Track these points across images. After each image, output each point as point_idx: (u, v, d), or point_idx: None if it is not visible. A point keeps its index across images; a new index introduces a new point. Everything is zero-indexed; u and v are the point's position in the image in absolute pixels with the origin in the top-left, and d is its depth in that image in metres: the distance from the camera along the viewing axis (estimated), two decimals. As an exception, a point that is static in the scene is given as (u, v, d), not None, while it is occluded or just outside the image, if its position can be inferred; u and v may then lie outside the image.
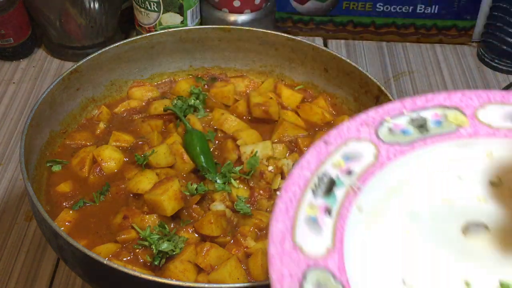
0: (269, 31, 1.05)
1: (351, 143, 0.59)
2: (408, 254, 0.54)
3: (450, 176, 0.60)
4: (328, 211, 0.54)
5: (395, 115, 0.62)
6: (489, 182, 0.60)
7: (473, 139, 0.62)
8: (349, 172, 0.57)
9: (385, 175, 0.59)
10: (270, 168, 0.88)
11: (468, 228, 0.56)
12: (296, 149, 0.94)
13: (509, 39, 1.32)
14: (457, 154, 0.61)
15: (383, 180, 0.58)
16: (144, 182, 0.85)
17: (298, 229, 0.52)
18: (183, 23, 1.30)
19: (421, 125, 0.62)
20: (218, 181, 0.86)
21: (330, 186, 0.56)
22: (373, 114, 0.62)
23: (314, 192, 0.55)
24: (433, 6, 1.38)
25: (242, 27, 1.06)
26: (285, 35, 1.05)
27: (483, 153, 0.61)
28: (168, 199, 0.80)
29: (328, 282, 0.49)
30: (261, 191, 0.87)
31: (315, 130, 0.99)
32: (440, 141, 0.61)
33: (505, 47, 1.33)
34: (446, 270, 0.53)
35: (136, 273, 0.68)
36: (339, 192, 0.56)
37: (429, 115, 0.62)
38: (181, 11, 1.28)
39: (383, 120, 0.62)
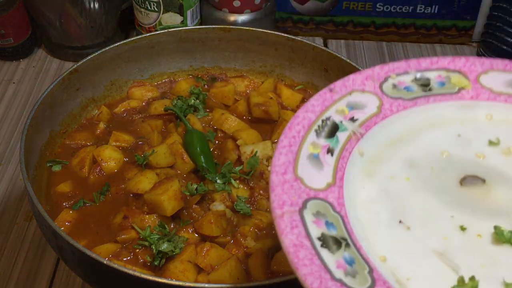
0: (269, 31, 1.05)
1: (355, 94, 0.62)
2: (406, 199, 0.56)
3: (450, 133, 0.63)
4: (330, 151, 0.56)
5: (400, 73, 0.65)
6: (488, 142, 0.62)
7: (474, 102, 0.64)
8: (352, 119, 0.60)
9: (387, 125, 0.61)
10: (270, 168, 0.88)
11: (465, 180, 0.58)
12: (296, 149, 0.94)
13: (509, 39, 1.32)
14: (458, 114, 0.64)
15: (385, 130, 0.61)
16: (144, 182, 0.84)
17: (300, 164, 0.53)
18: (183, 23, 1.30)
19: (425, 84, 0.64)
20: (218, 181, 0.86)
21: (334, 130, 0.58)
22: (378, 70, 0.64)
23: (317, 133, 0.57)
24: (433, 6, 1.38)
25: (242, 27, 1.06)
26: (285, 35, 1.05)
27: (483, 116, 0.64)
28: (168, 199, 0.80)
29: (327, 212, 0.51)
30: (261, 191, 0.87)
31: (315, 130, 0.99)
32: (443, 100, 0.64)
33: (505, 47, 1.33)
34: (442, 215, 0.55)
35: (136, 273, 0.68)
36: (341, 136, 0.58)
37: (433, 76, 0.65)
38: (181, 11, 1.28)
39: (388, 76, 0.64)
